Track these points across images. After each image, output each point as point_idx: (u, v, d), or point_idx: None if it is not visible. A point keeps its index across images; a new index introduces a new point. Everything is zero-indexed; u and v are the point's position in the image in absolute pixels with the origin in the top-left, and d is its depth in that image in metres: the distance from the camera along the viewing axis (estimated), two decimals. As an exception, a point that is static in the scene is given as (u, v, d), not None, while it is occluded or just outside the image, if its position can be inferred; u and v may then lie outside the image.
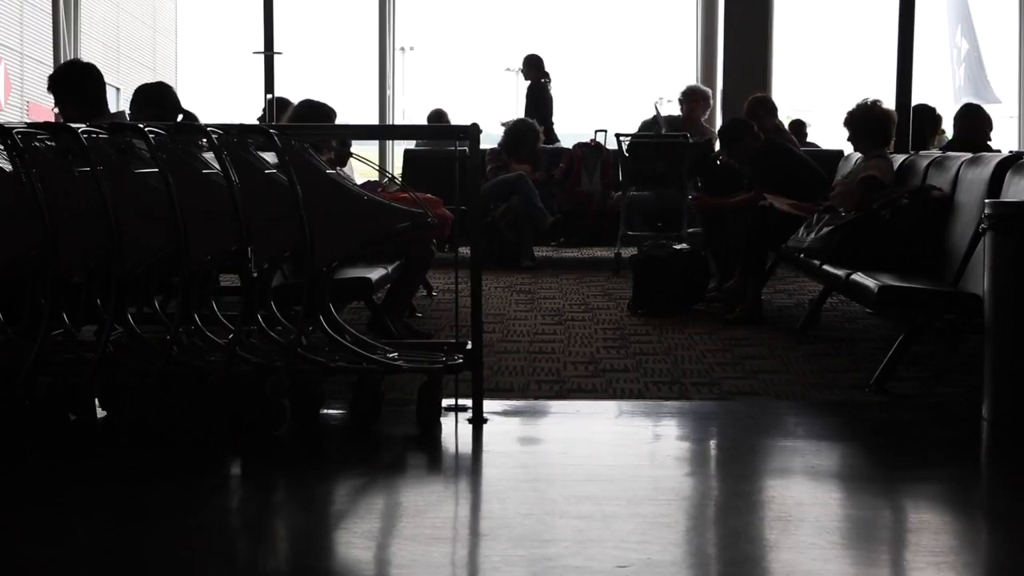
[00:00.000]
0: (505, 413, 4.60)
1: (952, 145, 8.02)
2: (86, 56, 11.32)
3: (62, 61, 11.42)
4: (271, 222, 4.18)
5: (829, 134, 12.44)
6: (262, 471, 3.97)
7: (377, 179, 7.07)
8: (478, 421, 4.37)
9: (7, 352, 4.29)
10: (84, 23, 12.83)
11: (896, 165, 6.50)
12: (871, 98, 6.58)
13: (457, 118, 11.59)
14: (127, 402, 4.20)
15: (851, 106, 6.59)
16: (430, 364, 4.42)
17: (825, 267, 5.86)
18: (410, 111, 12.35)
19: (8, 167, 4.16)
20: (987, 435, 4.40)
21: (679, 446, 4.46)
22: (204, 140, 4.30)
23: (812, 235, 5.98)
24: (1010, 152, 6.73)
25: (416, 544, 3.18)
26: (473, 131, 4.51)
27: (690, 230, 8.78)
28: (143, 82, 6.64)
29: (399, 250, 5.90)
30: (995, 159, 5.41)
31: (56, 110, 5.49)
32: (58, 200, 4.06)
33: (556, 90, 11.80)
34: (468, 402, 4.45)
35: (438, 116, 11.48)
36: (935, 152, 7.01)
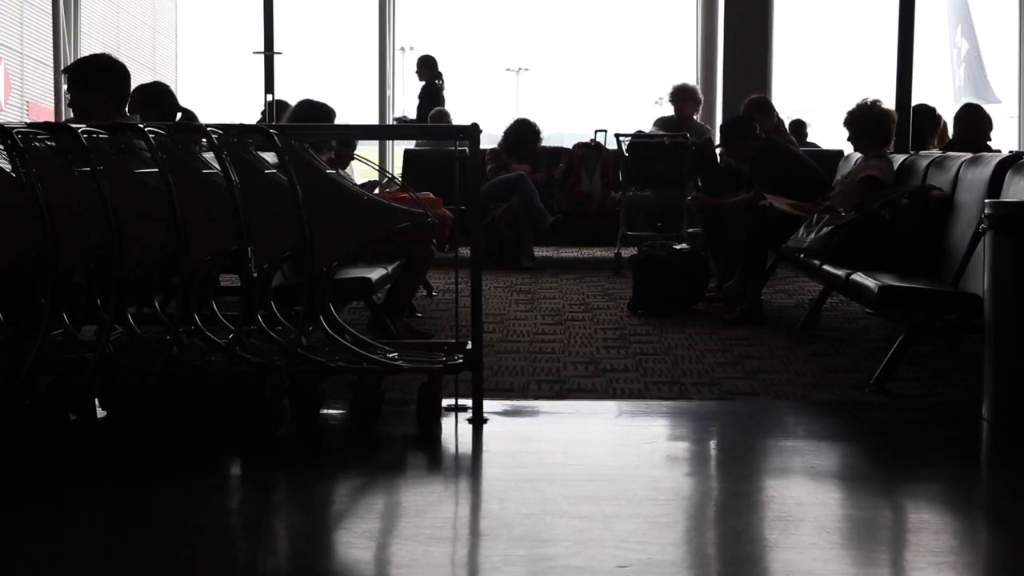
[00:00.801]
0: (505, 413, 4.60)
1: (952, 145, 8.02)
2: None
3: (62, 61, 11.43)
4: (271, 222, 4.18)
5: (829, 134, 12.43)
6: (262, 471, 3.97)
7: (377, 179, 7.07)
8: (478, 421, 4.37)
9: (7, 352, 4.29)
10: (84, 23, 12.83)
11: (896, 165, 6.50)
12: (871, 98, 6.58)
13: (457, 118, 11.60)
14: (127, 402, 4.20)
15: (851, 106, 6.60)
16: (430, 364, 4.42)
17: (825, 267, 5.86)
18: (410, 111, 12.31)
19: (8, 167, 4.16)
20: (987, 435, 4.40)
21: (679, 446, 4.46)
22: (204, 140, 4.30)
23: (812, 235, 5.98)
24: (1010, 152, 6.73)
25: (416, 544, 3.18)
26: (473, 131, 4.52)
27: (690, 230, 8.77)
28: (142, 82, 6.65)
29: (399, 250, 5.90)
30: (995, 159, 5.41)
31: (68, 97, 5.49)
32: (58, 200, 4.06)
33: (557, 90, 11.85)
34: (468, 402, 4.45)
35: (439, 116, 11.48)
36: (935, 152, 7.01)
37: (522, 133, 10.25)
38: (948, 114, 9.01)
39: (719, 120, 10.96)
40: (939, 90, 15.05)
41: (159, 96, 6.47)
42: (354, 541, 3.25)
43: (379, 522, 3.49)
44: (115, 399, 4.29)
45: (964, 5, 14.70)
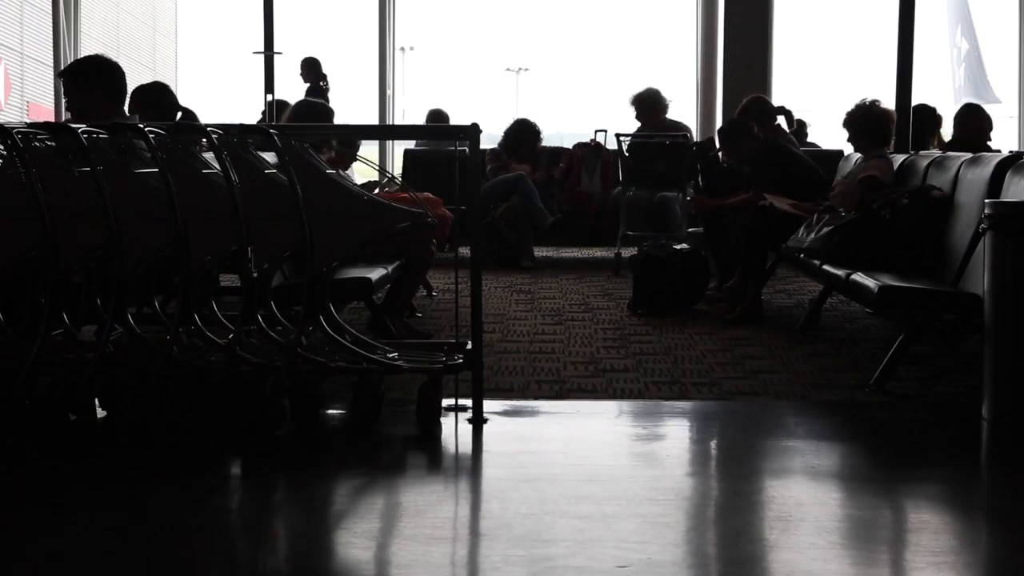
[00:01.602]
0: (505, 413, 4.60)
1: (952, 145, 8.02)
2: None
3: (62, 61, 11.42)
4: (271, 222, 4.18)
5: (829, 134, 12.42)
6: (262, 471, 3.97)
7: (377, 179, 7.07)
8: (478, 421, 4.37)
9: (7, 352, 4.29)
10: (84, 23, 12.83)
11: (896, 165, 6.50)
12: (870, 98, 6.58)
13: (457, 118, 11.60)
14: (127, 402, 4.20)
15: (851, 106, 6.60)
16: (430, 364, 4.42)
17: (825, 267, 5.86)
18: (410, 111, 12.33)
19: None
20: (987, 435, 4.40)
21: (679, 446, 4.46)
22: (204, 140, 4.30)
23: (812, 235, 5.98)
24: (1010, 152, 6.73)
25: (416, 544, 3.18)
26: (473, 131, 4.52)
27: (690, 230, 8.77)
28: (142, 82, 6.65)
29: (399, 250, 5.90)
30: (995, 159, 5.41)
31: (66, 99, 5.49)
32: (58, 200, 4.06)
33: (557, 90, 11.85)
34: (468, 402, 4.45)
35: (437, 116, 11.48)
36: (935, 152, 7.01)
37: (522, 133, 10.25)
38: (948, 114, 9.02)
39: (719, 120, 10.96)
40: (939, 90, 15.05)
41: (159, 96, 6.48)
42: (354, 541, 3.25)
43: (379, 522, 3.49)
44: (115, 399, 4.29)
45: (964, 5, 14.70)
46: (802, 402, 4.89)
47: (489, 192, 9.47)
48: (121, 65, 5.35)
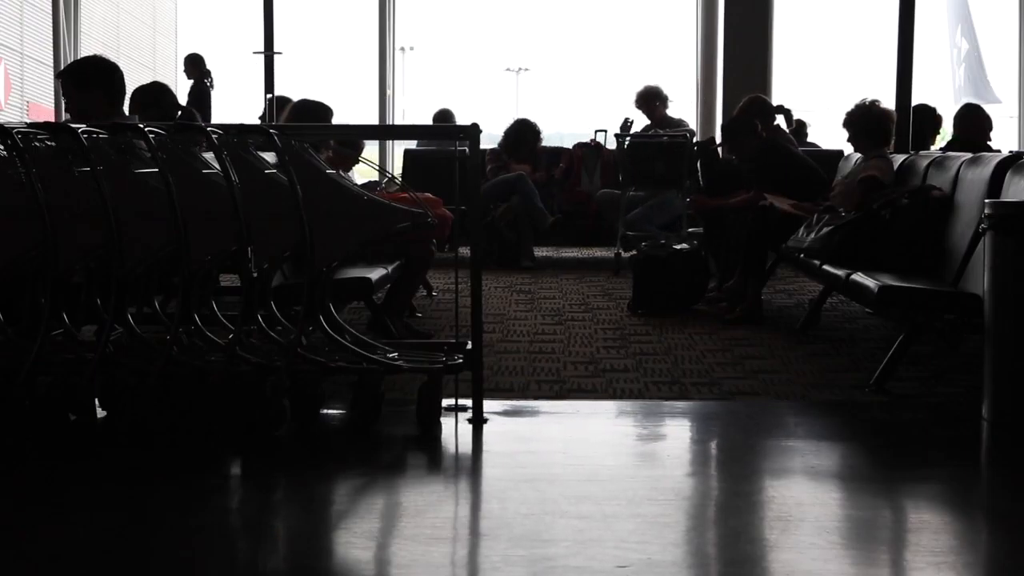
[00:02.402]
0: (505, 413, 4.60)
1: (952, 145, 8.01)
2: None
3: (62, 61, 11.42)
4: (271, 222, 4.18)
5: (829, 134, 12.42)
6: (262, 471, 3.97)
7: (377, 179, 7.07)
8: (478, 421, 4.37)
9: (7, 352, 4.29)
10: (84, 23, 12.83)
11: (896, 165, 6.50)
12: (870, 98, 6.58)
13: (457, 118, 11.60)
14: (127, 402, 4.20)
15: (851, 106, 6.60)
16: (430, 364, 4.42)
17: (825, 267, 5.86)
18: (410, 111, 12.32)
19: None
20: (987, 435, 4.40)
21: (679, 446, 4.46)
22: (204, 140, 4.29)
23: (812, 235, 5.98)
24: (1010, 152, 6.73)
25: (416, 544, 3.18)
26: (473, 131, 4.52)
27: (690, 230, 8.77)
28: (142, 82, 6.65)
29: (399, 250, 5.90)
30: (995, 159, 5.41)
31: (65, 100, 5.50)
32: (58, 200, 4.06)
33: (557, 90, 11.86)
34: (468, 402, 4.45)
35: (443, 116, 11.49)
36: (935, 152, 7.01)
37: (522, 133, 10.25)
38: (948, 114, 9.02)
39: (719, 120, 10.95)
40: (939, 90, 15.04)
41: (159, 96, 6.48)
42: (354, 541, 3.25)
43: (379, 522, 3.49)
44: (115, 399, 4.29)
45: (964, 5, 14.69)
46: (802, 402, 4.89)
47: (489, 192, 9.47)
48: (120, 65, 5.35)
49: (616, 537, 3.18)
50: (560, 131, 11.69)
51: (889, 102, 7.19)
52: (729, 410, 4.73)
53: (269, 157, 4.31)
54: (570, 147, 10.50)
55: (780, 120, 8.48)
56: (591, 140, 10.42)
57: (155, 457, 3.98)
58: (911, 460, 4.14)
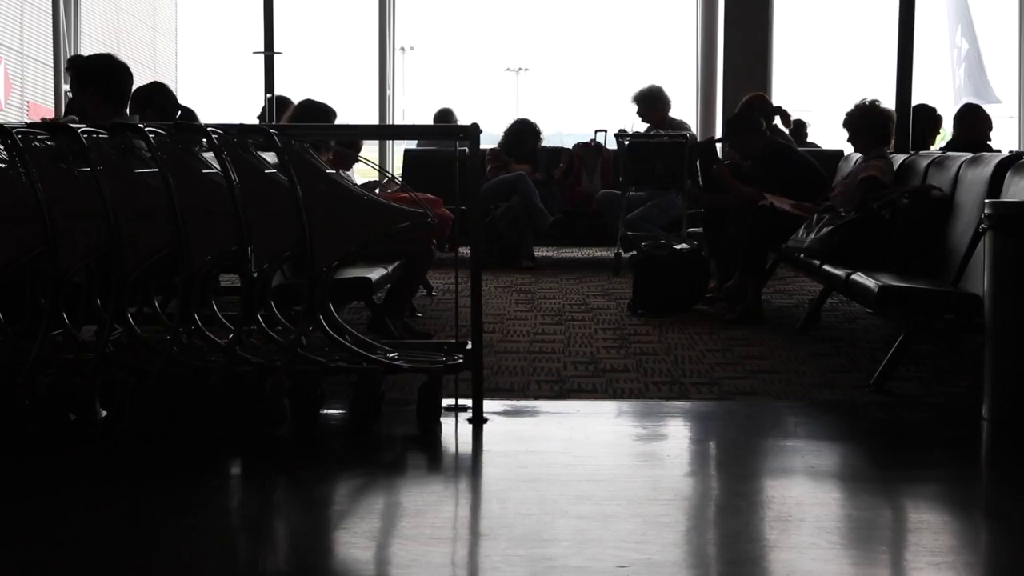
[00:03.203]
0: (505, 413, 4.60)
1: (952, 145, 8.01)
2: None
3: (62, 61, 11.42)
4: (271, 222, 4.18)
5: (829, 134, 12.42)
6: (262, 471, 3.97)
7: (377, 179, 7.07)
8: (478, 421, 4.37)
9: (7, 352, 4.29)
10: (84, 23, 12.81)
11: (896, 165, 6.50)
12: (869, 98, 6.58)
13: (457, 118, 11.59)
14: (127, 402, 4.20)
15: (851, 106, 6.60)
16: (430, 364, 4.42)
17: (825, 267, 5.86)
18: (410, 111, 12.30)
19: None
20: (987, 435, 4.40)
21: (679, 446, 4.46)
22: (204, 140, 4.29)
23: (812, 235, 5.98)
24: (1010, 152, 6.73)
25: (416, 544, 3.18)
26: (473, 131, 4.52)
27: (690, 230, 8.76)
28: (143, 82, 6.65)
29: (399, 250, 5.90)
30: (995, 159, 5.41)
31: (69, 94, 5.51)
32: (58, 200, 4.06)
33: (557, 90, 11.86)
34: (468, 402, 4.45)
35: (444, 116, 11.48)
36: (935, 152, 7.00)
37: (522, 133, 10.25)
38: (948, 114, 9.02)
39: (719, 120, 10.95)
40: (939, 90, 15.03)
41: (158, 96, 6.48)
42: (354, 541, 3.25)
43: (379, 522, 3.49)
44: (115, 399, 4.29)
45: (964, 5, 14.68)
46: (802, 402, 4.89)
47: (489, 192, 9.47)
48: (128, 67, 5.33)
49: (616, 537, 3.18)
50: (560, 131, 11.70)
51: (889, 102, 7.19)
52: (729, 410, 4.73)
53: (269, 157, 4.31)
54: (570, 147, 10.50)
55: (776, 120, 8.47)
56: (591, 140, 10.41)
57: (155, 457, 3.98)
58: (911, 460, 4.14)
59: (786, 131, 8.66)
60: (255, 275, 4.23)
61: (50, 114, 13.89)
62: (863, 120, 6.52)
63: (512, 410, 4.69)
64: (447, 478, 4.01)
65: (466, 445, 4.20)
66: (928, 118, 8.51)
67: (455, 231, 6.28)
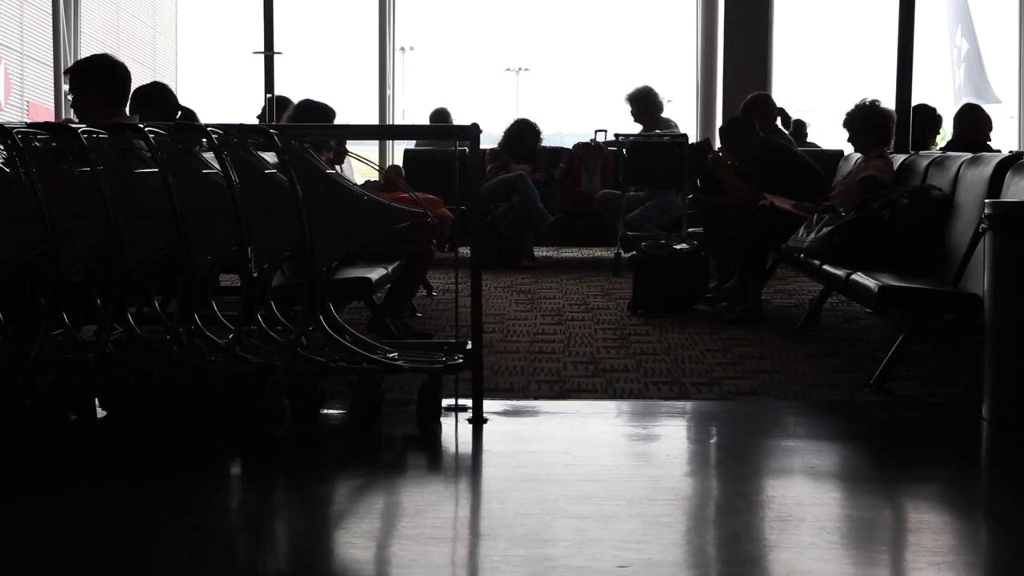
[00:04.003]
0: (505, 413, 4.60)
1: (952, 145, 8.01)
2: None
3: (62, 61, 11.42)
4: (271, 222, 4.19)
5: (829, 134, 12.41)
6: (262, 471, 3.97)
7: (377, 179, 7.07)
8: (478, 421, 4.37)
9: (7, 352, 4.29)
10: (84, 23, 12.81)
11: (896, 165, 6.50)
12: (869, 98, 6.58)
13: (457, 118, 11.60)
14: (127, 402, 4.21)
15: (851, 106, 6.60)
16: (430, 364, 4.42)
17: (825, 267, 5.86)
18: (410, 111, 12.30)
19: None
20: (987, 435, 4.40)
21: (679, 446, 4.46)
22: (204, 140, 4.30)
23: (812, 235, 5.98)
24: (1010, 152, 6.73)
25: (416, 544, 3.18)
26: (473, 131, 4.52)
27: (690, 230, 8.76)
28: (143, 82, 6.64)
29: (399, 250, 5.90)
30: (995, 159, 5.41)
31: (70, 96, 5.51)
32: (58, 200, 4.06)
33: (557, 90, 11.87)
34: (468, 402, 4.45)
35: (440, 115, 11.47)
36: (935, 152, 7.00)
37: (522, 133, 10.26)
38: (948, 114, 9.02)
39: (719, 120, 10.95)
40: (939, 90, 15.03)
41: (158, 96, 6.47)
42: (354, 541, 3.25)
43: (379, 522, 3.49)
44: (115, 399, 4.29)
45: (964, 5, 14.67)
46: (802, 402, 4.89)
47: (489, 192, 9.47)
48: (127, 67, 5.34)
49: (616, 537, 3.18)
50: (560, 131, 11.68)
51: (889, 102, 7.19)
52: (729, 410, 4.73)
53: (269, 157, 4.31)
54: (570, 147, 10.49)
55: (776, 121, 8.47)
56: (591, 140, 10.41)
57: (155, 457, 3.98)
58: (911, 460, 4.14)
59: (786, 131, 8.65)
60: (255, 275, 4.23)
61: (50, 115, 13.90)
62: (863, 120, 6.52)
63: (512, 410, 4.69)
64: (447, 478, 4.01)
65: (466, 445, 4.20)
66: (928, 118, 8.51)
67: (455, 231, 6.28)
